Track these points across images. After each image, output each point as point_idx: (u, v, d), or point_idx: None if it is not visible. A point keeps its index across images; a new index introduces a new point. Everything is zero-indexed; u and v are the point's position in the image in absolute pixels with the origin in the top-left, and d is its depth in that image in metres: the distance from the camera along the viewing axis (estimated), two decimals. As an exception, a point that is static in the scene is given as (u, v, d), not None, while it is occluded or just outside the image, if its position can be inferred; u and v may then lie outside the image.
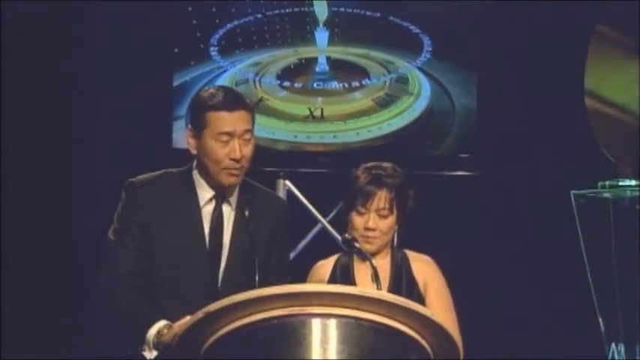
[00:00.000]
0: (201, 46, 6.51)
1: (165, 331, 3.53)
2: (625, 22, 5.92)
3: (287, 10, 6.56)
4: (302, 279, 3.93)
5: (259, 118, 3.81)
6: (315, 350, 2.98)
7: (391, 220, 3.90)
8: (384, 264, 3.92)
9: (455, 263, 4.09)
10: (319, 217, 6.04)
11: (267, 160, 5.86)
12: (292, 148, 6.49)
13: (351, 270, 3.95)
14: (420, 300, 3.83)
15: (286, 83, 6.55)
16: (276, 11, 6.55)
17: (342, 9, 6.56)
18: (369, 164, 3.95)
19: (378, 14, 6.54)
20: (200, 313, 3.07)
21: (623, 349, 5.40)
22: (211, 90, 3.76)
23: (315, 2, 6.55)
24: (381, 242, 3.91)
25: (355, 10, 6.56)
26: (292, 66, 6.58)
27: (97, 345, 5.58)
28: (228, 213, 3.78)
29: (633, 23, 5.85)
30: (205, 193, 3.77)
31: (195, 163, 3.80)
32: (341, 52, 6.57)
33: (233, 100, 3.71)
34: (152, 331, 3.56)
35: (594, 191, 5.50)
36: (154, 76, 6.43)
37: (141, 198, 3.75)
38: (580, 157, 6.09)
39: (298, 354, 2.97)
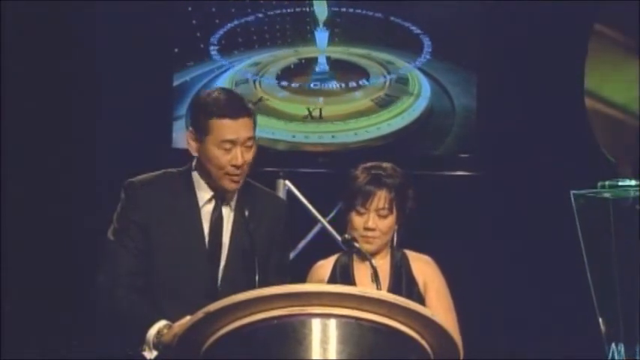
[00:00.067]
0: (201, 46, 6.50)
1: (165, 331, 3.53)
2: (625, 22, 5.92)
3: (287, 10, 6.55)
4: (302, 279, 3.93)
5: (259, 118, 3.80)
6: (315, 350, 2.98)
7: (391, 220, 3.90)
8: (383, 264, 3.92)
9: (455, 263, 4.09)
10: (319, 217, 6.04)
11: (267, 160, 5.84)
12: (292, 148, 6.49)
13: (351, 270, 3.95)
14: (420, 300, 3.83)
15: (286, 83, 6.55)
16: (277, 11, 6.55)
17: (343, 9, 6.56)
18: (369, 164, 3.95)
19: (379, 14, 6.54)
20: (200, 313, 3.06)
21: (623, 349, 5.40)
22: (214, 94, 3.73)
23: (315, 2, 6.55)
24: (381, 242, 3.91)
25: (356, 10, 6.56)
26: (292, 66, 6.58)
27: (97, 345, 5.58)
28: (228, 213, 3.78)
29: (633, 23, 5.84)
30: (205, 194, 3.77)
31: (194, 163, 3.80)
32: (342, 53, 6.57)
33: (237, 107, 3.69)
34: (152, 331, 3.55)
35: (594, 191, 5.50)
36: (154, 76, 6.43)
37: (140, 198, 3.74)
38: (580, 157, 6.09)
39: (298, 354, 2.97)
